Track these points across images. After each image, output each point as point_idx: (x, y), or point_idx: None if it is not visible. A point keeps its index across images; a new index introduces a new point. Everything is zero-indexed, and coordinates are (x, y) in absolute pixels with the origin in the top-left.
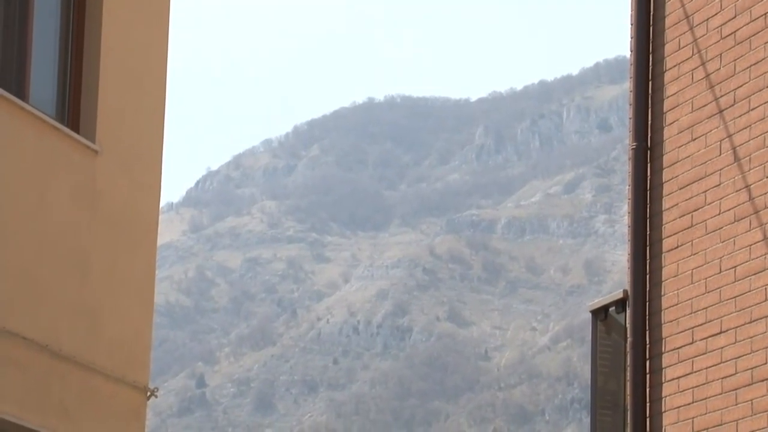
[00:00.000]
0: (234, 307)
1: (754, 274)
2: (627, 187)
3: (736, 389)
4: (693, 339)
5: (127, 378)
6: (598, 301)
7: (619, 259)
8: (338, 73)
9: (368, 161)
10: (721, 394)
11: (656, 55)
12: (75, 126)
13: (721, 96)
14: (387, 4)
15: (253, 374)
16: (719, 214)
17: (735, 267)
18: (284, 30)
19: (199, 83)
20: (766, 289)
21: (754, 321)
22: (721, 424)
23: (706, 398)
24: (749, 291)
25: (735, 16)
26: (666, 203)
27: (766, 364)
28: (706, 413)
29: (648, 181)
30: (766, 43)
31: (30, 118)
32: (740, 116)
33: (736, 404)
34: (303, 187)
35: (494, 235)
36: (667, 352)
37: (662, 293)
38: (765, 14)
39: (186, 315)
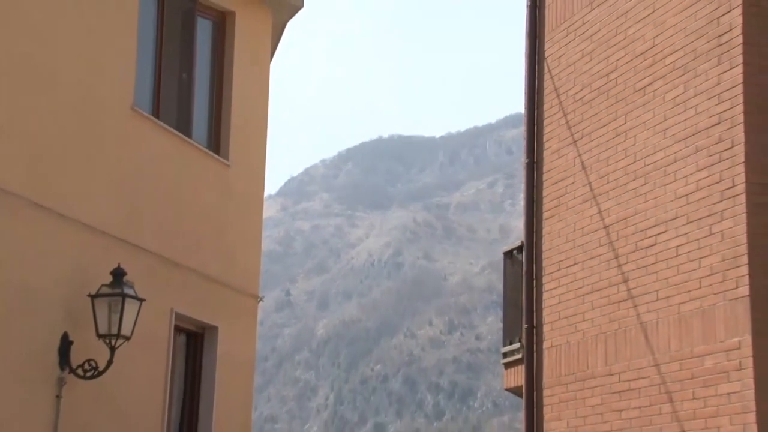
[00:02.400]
0: (305, 252)
1: (592, 231)
2: (522, 185)
3: (583, 295)
4: (559, 267)
5: (247, 291)
6: (507, 247)
7: (518, 224)
8: (362, 119)
9: (380, 171)
10: (574, 298)
11: (539, 111)
12: (217, 150)
13: (575, 133)
14: (395, 71)
15: (317, 289)
16: (574, 198)
17: (582, 228)
18: (332, 87)
19: (287, 121)
20: (599, 239)
21: (593, 258)
22: (574, 314)
23: (566, 300)
24: (590, 241)
25: (582, 89)
26: (544, 193)
27: (600, 281)
28: (566, 309)
29: (534, 181)
30: (600, 103)
31: (193, 149)
32: (586, 144)
33: (583, 303)
34: (343, 186)
35: (449, 212)
36: (545, 275)
37: (543, 243)
38: (598, 88)
39: (279, 257)
